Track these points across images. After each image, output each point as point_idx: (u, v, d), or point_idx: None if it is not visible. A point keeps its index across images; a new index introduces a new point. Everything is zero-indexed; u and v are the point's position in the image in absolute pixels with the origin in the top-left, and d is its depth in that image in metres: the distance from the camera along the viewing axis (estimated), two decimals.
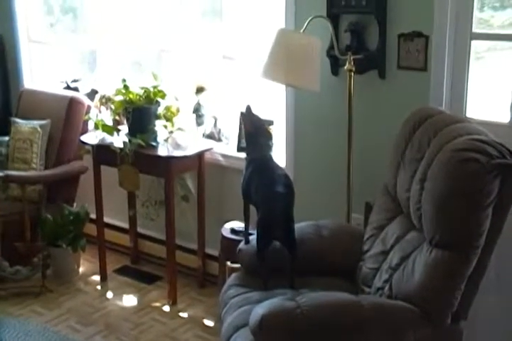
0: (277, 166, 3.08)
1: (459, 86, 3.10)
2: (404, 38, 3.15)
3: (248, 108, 3.15)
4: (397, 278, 2.55)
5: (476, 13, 3.03)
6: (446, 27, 3.02)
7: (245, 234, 3.19)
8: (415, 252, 2.53)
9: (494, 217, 2.34)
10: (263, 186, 2.93)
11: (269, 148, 3.15)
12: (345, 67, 3.17)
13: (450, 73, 3.09)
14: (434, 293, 2.39)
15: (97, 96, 4.31)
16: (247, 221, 3.23)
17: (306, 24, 3.14)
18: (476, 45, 3.06)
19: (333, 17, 3.31)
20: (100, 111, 4.23)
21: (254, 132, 3.12)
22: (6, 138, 4.56)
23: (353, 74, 3.16)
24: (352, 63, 3.15)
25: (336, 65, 3.39)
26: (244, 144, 3.79)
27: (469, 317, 2.50)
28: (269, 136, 3.19)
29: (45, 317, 3.82)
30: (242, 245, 3.09)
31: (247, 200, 3.14)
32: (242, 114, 3.21)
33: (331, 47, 3.30)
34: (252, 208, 3.12)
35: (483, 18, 3.08)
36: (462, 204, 2.33)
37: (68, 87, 4.64)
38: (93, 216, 4.27)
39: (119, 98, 3.92)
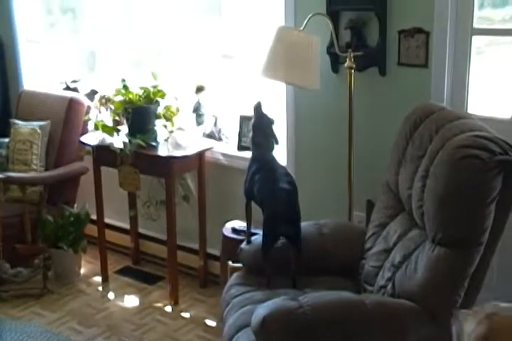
0: (279, 165, 3.09)
1: (460, 82, 3.08)
2: (405, 34, 3.13)
3: (258, 104, 3.16)
4: (399, 276, 2.53)
5: (476, 12, 2.99)
6: (446, 23, 3.00)
7: (247, 234, 3.17)
8: (418, 250, 2.52)
9: (497, 213, 2.33)
10: (267, 184, 2.93)
11: (273, 147, 3.14)
12: (346, 65, 3.15)
13: (451, 69, 3.07)
14: (437, 291, 2.38)
15: (97, 97, 4.30)
16: (249, 220, 3.21)
17: (305, 21, 3.13)
18: (476, 39, 3.03)
19: (333, 14, 3.29)
20: (100, 112, 4.22)
21: (260, 129, 3.12)
22: (6, 140, 4.54)
23: (353, 71, 3.14)
24: (352, 60, 3.13)
25: (336, 63, 3.37)
26: (244, 143, 3.80)
27: None
28: (274, 136, 3.17)
29: (46, 318, 3.80)
30: (243, 245, 3.08)
31: (250, 199, 3.12)
32: (253, 108, 3.20)
33: (331, 45, 3.28)
34: (254, 208, 3.11)
35: (482, 16, 3.05)
36: (465, 201, 2.31)
37: (68, 88, 4.62)
38: (94, 217, 4.25)
39: (119, 98, 3.91)
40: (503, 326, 1.37)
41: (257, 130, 3.14)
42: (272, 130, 3.16)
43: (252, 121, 3.20)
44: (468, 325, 1.44)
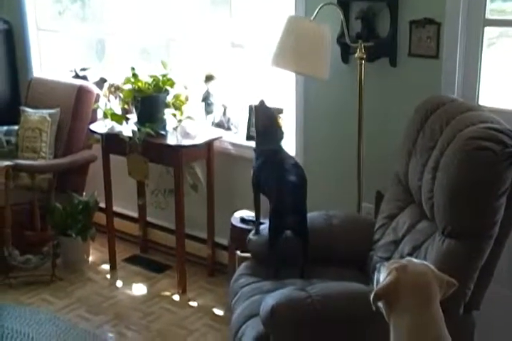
0: (288, 156, 3.07)
1: (472, 73, 3.05)
2: (416, 24, 3.11)
3: (262, 102, 3.14)
4: None
5: (488, 2, 2.97)
6: (458, 13, 2.97)
7: (256, 224, 3.17)
8: (427, 242, 2.52)
9: (507, 206, 2.32)
10: (275, 176, 2.91)
11: (280, 139, 3.13)
12: (356, 55, 3.13)
13: (462, 60, 3.04)
14: None
15: (106, 85, 4.30)
16: (257, 211, 3.21)
17: (316, 11, 3.12)
18: (487, 31, 3.00)
19: (344, 4, 3.27)
20: (109, 100, 4.22)
21: (266, 126, 3.12)
22: (16, 127, 4.56)
23: (363, 61, 3.13)
24: (363, 51, 3.11)
25: (346, 53, 3.36)
26: (253, 133, 3.79)
27: (482, 308, 2.48)
28: (280, 129, 3.16)
29: (55, 305, 3.83)
30: (251, 235, 3.08)
31: (257, 190, 3.12)
32: (255, 107, 3.18)
33: (342, 35, 3.26)
34: (263, 198, 3.10)
35: (493, 8, 3.02)
36: (475, 193, 2.30)
37: (77, 76, 4.62)
38: (102, 205, 4.27)
39: (128, 86, 3.91)
40: (406, 276, 1.86)
41: (266, 126, 3.13)
42: (279, 124, 3.16)
43: (257, 119, 3.17)
44: (382, 274, 1.94)
